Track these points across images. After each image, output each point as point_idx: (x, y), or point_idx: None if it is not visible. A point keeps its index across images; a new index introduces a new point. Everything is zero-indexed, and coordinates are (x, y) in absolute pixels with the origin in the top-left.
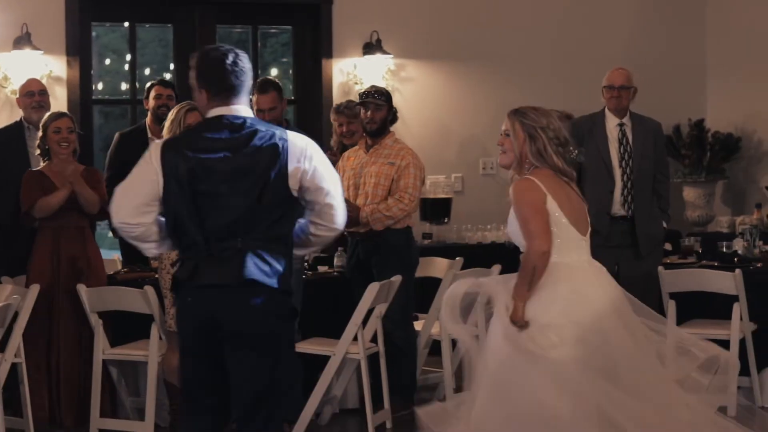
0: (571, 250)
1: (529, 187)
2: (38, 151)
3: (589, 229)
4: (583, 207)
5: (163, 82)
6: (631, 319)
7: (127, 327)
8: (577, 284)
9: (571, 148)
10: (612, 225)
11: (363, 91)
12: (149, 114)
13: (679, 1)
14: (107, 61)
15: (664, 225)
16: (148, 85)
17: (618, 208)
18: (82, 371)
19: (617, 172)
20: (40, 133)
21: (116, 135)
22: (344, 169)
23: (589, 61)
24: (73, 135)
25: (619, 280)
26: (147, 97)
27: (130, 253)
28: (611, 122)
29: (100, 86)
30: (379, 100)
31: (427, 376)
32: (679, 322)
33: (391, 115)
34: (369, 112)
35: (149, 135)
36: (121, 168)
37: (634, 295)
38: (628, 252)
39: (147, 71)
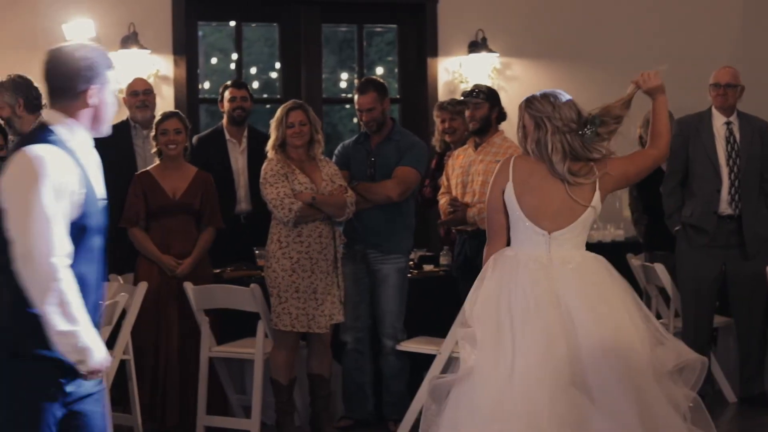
0: (524, 243)
1: (499, 168)
2: (154, 150)
3: (571, 225)
4: (567, 202)
5: (236, 84)
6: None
7: (233, 325)
8: (499, 281)
9: (587, 128)
10: (719, 224)
11: (465, 90)
12: (225, 116)
13: None
14: (213, 60)
15: None
16: (222, 87)
17: (725, 207)
18: (188, 369)
19: (724, 171)
20: (152, 133)
21: (194, 138)
22: (453, 167)
23: (696, 60)
24: (180, 136)
25: (727, 280)
26: (222, 100)
27: (216, 253)
28: (718, 121)
29: (206, 85)
30: (477, 98)
31: None
32: None
33: (497, 113)
34: (469, 111)
35: (227, 137)
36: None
37: (741, 295)
38: (736, 252)
39: (253, 70)
